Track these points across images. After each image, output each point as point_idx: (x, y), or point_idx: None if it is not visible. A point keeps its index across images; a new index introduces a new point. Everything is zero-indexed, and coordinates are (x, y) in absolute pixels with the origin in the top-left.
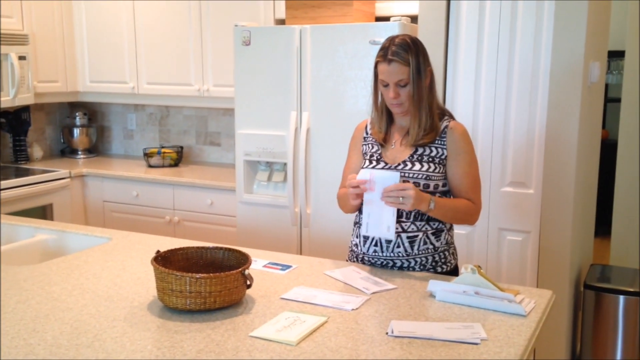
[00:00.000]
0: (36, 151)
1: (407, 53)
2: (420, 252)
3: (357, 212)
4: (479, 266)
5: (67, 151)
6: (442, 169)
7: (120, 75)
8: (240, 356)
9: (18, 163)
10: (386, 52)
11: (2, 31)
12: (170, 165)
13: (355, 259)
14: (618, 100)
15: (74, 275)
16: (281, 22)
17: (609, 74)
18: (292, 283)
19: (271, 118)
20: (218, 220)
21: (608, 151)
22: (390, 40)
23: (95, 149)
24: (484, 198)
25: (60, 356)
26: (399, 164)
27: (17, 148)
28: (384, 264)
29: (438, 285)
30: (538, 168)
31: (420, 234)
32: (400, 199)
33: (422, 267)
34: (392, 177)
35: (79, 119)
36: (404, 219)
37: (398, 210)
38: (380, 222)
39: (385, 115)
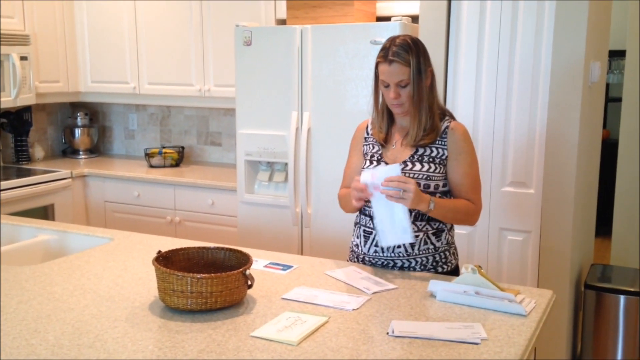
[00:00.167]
0: (38, 151)
1: (407, 54)
2: (420, 252)
3: (357, 213)
4: (480, 266)
5: (68, 151)
6: (442, 169)
7: (122, 75)
8: (242, 356)
9: (19, 163)
10: (387, 53)
11: (3, 31)
12: (172, 166)
13: (356, 259)
14: (619, 99)
15: (75, 275)
16: (282, 22)
17: (609, 74)
18: (293, 283)
19: (272, 118)
20: (219, 221)
21: (609, 151)
22: (391, 40)
23: (97, 149)
24: (484, 198)
25: (62, 356)
26: (400, 164)
27: (19, 148)
28: (384, 264)
29: (438, 285)
30: (539, 168)
31: (421, 234)
32: (401, 192)
33: (422, 267)
34: (392, 169)
35: (80, 119)
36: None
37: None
38: (394, 227)
39: (385, 116)
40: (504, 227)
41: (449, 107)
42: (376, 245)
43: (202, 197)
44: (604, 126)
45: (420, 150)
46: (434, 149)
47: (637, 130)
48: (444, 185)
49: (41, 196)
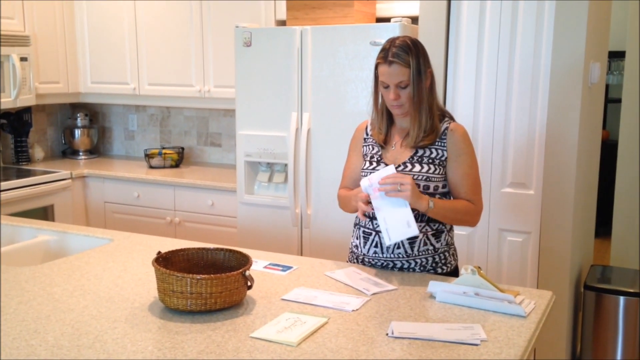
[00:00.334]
0: (37, 152)
1: (407, 55)
2: (420, 253)
3: (357, 214)
4: (479, 267)
5: (68, 152)
6: (442, 170)
7: (122, 76)
8: (241, 357)
9: (19, 164)
10: (387, 54)
11: (3, 32)
12: (171, 166)
13: (355, 260)
14: (619, 100)
15: (75, 276)
16: (282, 23)
17: (609, 75)
18: (293, 284)
19: (272, 119)
20: (219, 221)
21: (609, 152)
22: (391, 41)
23: (97, 150)
24: (484, 199)
25: (61, 357)
26: (399, 165)
27: (19, 149)
28: (384, 265)
29: (438, 286)
30: (538, 169)
31: (421, 235)
32: (399, 186)
33: (422, 268)
34: (388, 170)
35: (80, 120)
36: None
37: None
38: (397, 222)
39: (385, 117)
40: (504, 228)
41: (448, 108)
42: (376, 246)
43: (201, 198)
44: (604, 127)
45: (420, 152)
46: (433, 150)
47: (636, 131)
48: (443, 187)
49: (41, 197)
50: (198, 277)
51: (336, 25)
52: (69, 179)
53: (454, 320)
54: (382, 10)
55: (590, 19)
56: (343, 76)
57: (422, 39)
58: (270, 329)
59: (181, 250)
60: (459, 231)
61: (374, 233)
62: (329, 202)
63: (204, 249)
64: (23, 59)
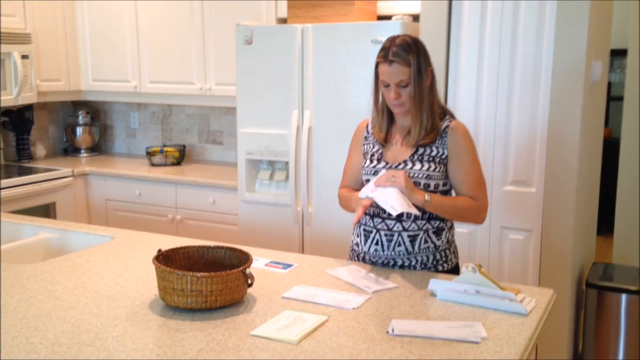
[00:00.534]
0: (39, 150)
1: (407, 53)
2: (421, 251)
3: None
4: (480, 265)
5: (70, 150)
6: (442, 168)
7: (123, 74)
8: (241, 355)
9: (21, 162)
10: (387, 53)
11: (4, 30)
12: (173, 164)
13: (356, 258)
14: (621, 98)
15: (76, 274)
16: (283, 21)
17: (611, 73)
18: (294, 282)
19: (273, 117)
20: (220, 219)
21: (611, 149)
22: (391, 40)
23: (98, 148)
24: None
25: (61, 355)
26: (400, 164)
27: (20, 147)
28: (385, 262)
29: (439, 284)
30: (540, 166)
31: (421, 233)
32: (392, 178)
33: (423, 265)
34: (379, 175)
35: (81, 118)
36: (404, 218)
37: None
38: (399, 200)
39: (386, 115)
40: (505, 226)
41: (450, 105)
42: (377, 244)
43: (203, 196)
44: (606, 125)
45: (420, 150)
46: (434, 149)
47: (638, 129)
48: (444, 185)
49: (43, 194)
50: (198, 274)
51: (337, 23)
52: (70, 176)
53: (454, 318)
54: (383, 8)
55: (592, 17)
56: (344, 74)
57: (423, 37)
58: (270, 326)
59: (182, 248)
60: (461, 229)
61: (374, 231)
62: (330, 200)
63: (204, 246)
64: (24, 57)
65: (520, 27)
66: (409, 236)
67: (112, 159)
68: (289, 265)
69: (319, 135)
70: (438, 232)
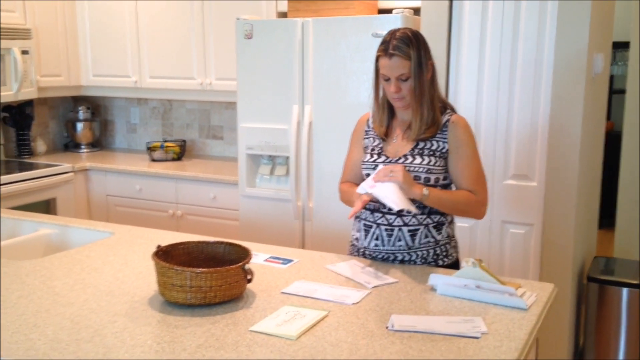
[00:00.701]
0: (40, 145)
1: (408, 47)
2: (421, 245)
3: None
4: (480, 260)
5: (70, 145)
6: (443, 162)
7: (123, 69)
8: (240, 351)
9: (22, 157)
10: (387, 46)
11: (4, 25)
12: (173, 159)
13: (356, 253)
14: (623, 91)
15: (75, 269)
16: (283, 15)
17: (614, 65)
18: (293, 277)
19: (273, 111)
20: (221, 214)
21: (613, 143)
22: (392, 34)
23: (99, 143)
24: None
25: (60, 351)
26: (400, 158)
27: (21, 142)
28: (385, 257)
29: (439, 279)
30: (541, 160)
31: (422, 228)
32: (390, 173)
33: (423, 260)
34: (377, 170)
35: (82, 113)
36: (405, 212)
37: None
38: (399, 196)
39: (386, 110)
40: (506, 220)
41: (451, 99)
42: (377, 239)
43: (203, 191)
44: (608, 118)
45: (421, 144)
46: (434, 142)
47: None
48: (444, 179)
49: (43, 190)
50: (197, 270)
51: (338, 17)
52: (71, 172)
53: (454, 313)
54: (383, 1)
55: (594, 10)
56: (345, 68)
57: (424, 30)
58: (269, 322)
59: (181, 243)
60: (462, 223)
61: (374, 226)
62: (331, 195)
63: (204, 242)
64: (24, 52)
65: (522, 20)
66: (409, 231)
67: (112, 155)
68: (289, 261)
69: (320, 130)
70: (438, 227)
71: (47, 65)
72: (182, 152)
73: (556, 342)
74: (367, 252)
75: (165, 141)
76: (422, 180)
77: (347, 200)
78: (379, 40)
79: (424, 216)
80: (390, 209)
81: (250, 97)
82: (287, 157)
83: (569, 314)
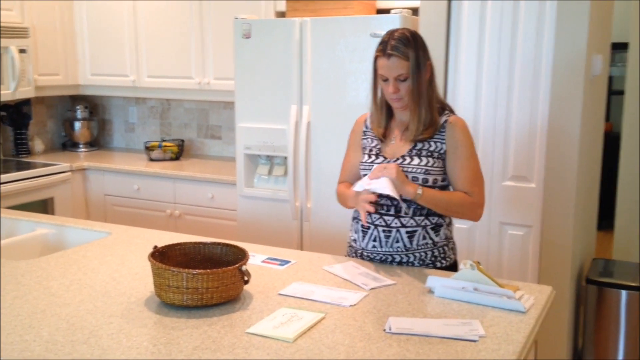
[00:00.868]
0: (37, 144)
1: (406, 47)
2: (419, 247)
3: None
4: (478, 262)
5: (68, 144)
6: (441, 163)
7: (121, 68)
8: (236, 353)
9: (19, 156)
10: (385, 47)
11: (2, 24)
12: (171, 159)
13: (354, 255)
14: (622, 92)
15: (72, 270)
16: (282, 14)
17: (613, 66)
18: (291, 278)
19: (272, 111)
20: (219, 214)
21: (612, 144)
22: (390, 34)
23: (97, 143)
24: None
25: (55, 353)
26: (398, 159)
27: (19, 141)
28: (383, 259)
29: (437, 281)
30: (540, 162)
31: (419, 229)
32: (383, 169)
33: (421, 262)
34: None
35: (80, 112)
36: (402, 214)
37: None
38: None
39: (384, 110)
40: (505, 222)
41: (449, 100)
42: (374, 240)
43: (201, 191)
44: (607, 119)
45: (419, 145)
46: (432, 143)
47: (639, 123)
48: (442, 180)
49: (41, 189)
50: (194, 272)
51: (336, 16)
52: (68, 171)
53: (452, 316)
54: (382, 1)
55: (593, 11)
56: (343, 68)
57: (422, 30)
58: (266, 324)
59: (178, 244)
60: (460, 225)
61: (372, 227)
62: (329, 196)
63: (200, 243)
64: (22, 51)
65: (521, 20)
66: (407, 232)
67: (110, 154)
68: (286, 262)
69: (318, 130)
70: (436, 229)
71: (45, 64)
72: (180, 151)
73: (555, 344)
74: (364, 254)
75: (164, 141)
76: (420, 182)
77: (343, 201)
78: (377, 41)
79: (422, 217)
80: (388, 210)
81: (249, 97)
82: (285, 158)
83: (568, 316)
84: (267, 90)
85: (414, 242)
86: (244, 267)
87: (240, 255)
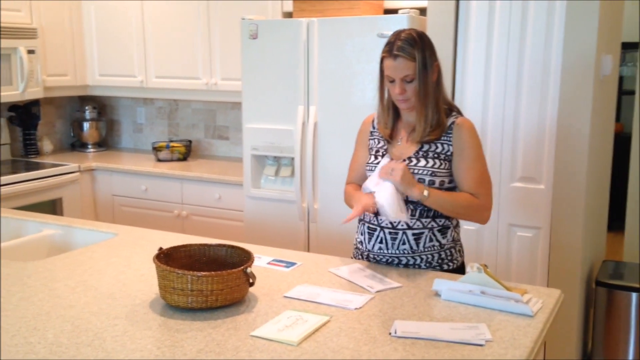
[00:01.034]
0: (46, 145)
1: (413, 48)
2: (426, 249)
3: None
4: (486, 265)
5: (77, 145)
6: (447, 165)
7: (129, 69)
8: (240, 356)
9: (28, 157)
10: (392, 47)
11: (11, 25)
12: (179, 159)
13: (360, 256)
14: (633, 92)
15: (77, 271)
16: (289, 15)
17: (623, 66)
18: (296, 281)
19: (278, 112)
20: (226, 215)
21: (622, 144)
22: (396, 35)
23: (105, 143)
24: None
25: (59, 355)
26: (405, 160)
27: (27, 142)
28: (389, 261)
29: (443, 284)
30: (549, 163)
31: (426, 231)
32: (391, 171)
33: (428, 264)
34: (383, 162)
35: (88, 113)
36: (409, 215)
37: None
38: (394, 204)
39: (391, 111)
40: (513, 223)
41: (457, 101)
42: (381, 242)
43: (209, 192)
44: (618, 120)
45: (426, 146)
46: (439, 145)
47: None
48: (449, 182)
49: (49, 190)
50: (199, 274)
51: (343, 17)
52: (77, 172)
53: (459, 320)
54: (389, 1)
55: (603, 10)
56: (350, 69)
57: (430, 31)
58: (271, 327)
59: (183, 246)
60: (468, 226)
61: (378, 229)
62: (336, 197)
63: (205, 245)
64: (30, 52)
65: (530, 20)
66: (413, 234)
67: (118, 154)
68: (292, 264)
69: (325, 131)
70: (443, 231)
71: (54, 64)
72: (187, 152)
73: (564, 347)
74: (371, 256)
75: (171, 141)
76: (426, 183)
77: (349, 203)
78: (384, 41)
79: (429, 219)
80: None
81: (255, 98)
82: (292, 158)
83: (577, 318)
84: (274, 90)
85: (421, 245)
86: (249, 270)
87: (245, 257)
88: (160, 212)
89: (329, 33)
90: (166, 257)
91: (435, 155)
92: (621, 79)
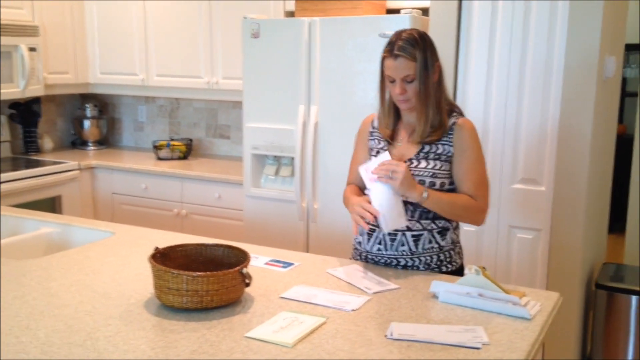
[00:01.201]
0: (47, 142)
1: (413, 48)
2: (425, 251)
3: None
4: (484, 267)
5: (77, 142)
6: (448, 166)
7: (130, 67)
8: (234, 357)
9: (28, 154)
10: (392, 47)
11: (12, 22)
12: (179, 158)
13: (359, 257)
14: (636, 94)
15: (73, 270)
16: (291, 14)
17: (627, 68)
18: (293, 281)
19: (279, 112)
20: (225, 214)
21: (625, 146)
22: (398, 35)
23: (106, 141)
24: (494, 194)
25: (51, 355)
26: (405, 162)
27: (28, 139)
28: (387, 262)
29: (441, 286)
30: (550, 164)
31: (425, 233)
32: (390, 173)
33: (426, 266)
34: (383, 157)
35: (89, 111)
36: (408, 217)
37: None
38: (391, 210)
39: (392, 112)
40: (514, 225)
41: (459, 102)
42: (379, 243)
43: (209, 191)
44: (620, 121)
45: (426, 147)
46: (440, 146)
47: None
48: (450, 183)
49: (49, 187)
50: (194, 274)
51: (345, 16)
52: (77, 169)
53: (456, 322)
54: (392, 1)
55: (606, 11)
56: (351, 69)
57: (432, 31)
58: (266, 328)
59: (179, 246)
60: (468, 228)
61: (377, 229)
62: (336, 197)
63: (202, 244)
64: (32, 49)
65: (532, 21)
66: (412, 236)
67: (119, 153)
68: (290, 264)
69: (326, 131)
70: (442, 232)
71: (55, 62)
72: (188, 151)
73: (563, 349)
74: (369, 256)
75: (172, 140)
76: (427, 185)
77: (346, 206)
78: (386, 41)
79: (428, 221)
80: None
81: (256, 97)
82: (293, 158)
83: (577, 321)
84: (275, 90)
85: (420, 246)
86: (245, 270)
87: (242, 257)
88: (160, 211)
89: (330, 33)
90: (163, 257)
91: (436, 157)
92: (624, 81)
